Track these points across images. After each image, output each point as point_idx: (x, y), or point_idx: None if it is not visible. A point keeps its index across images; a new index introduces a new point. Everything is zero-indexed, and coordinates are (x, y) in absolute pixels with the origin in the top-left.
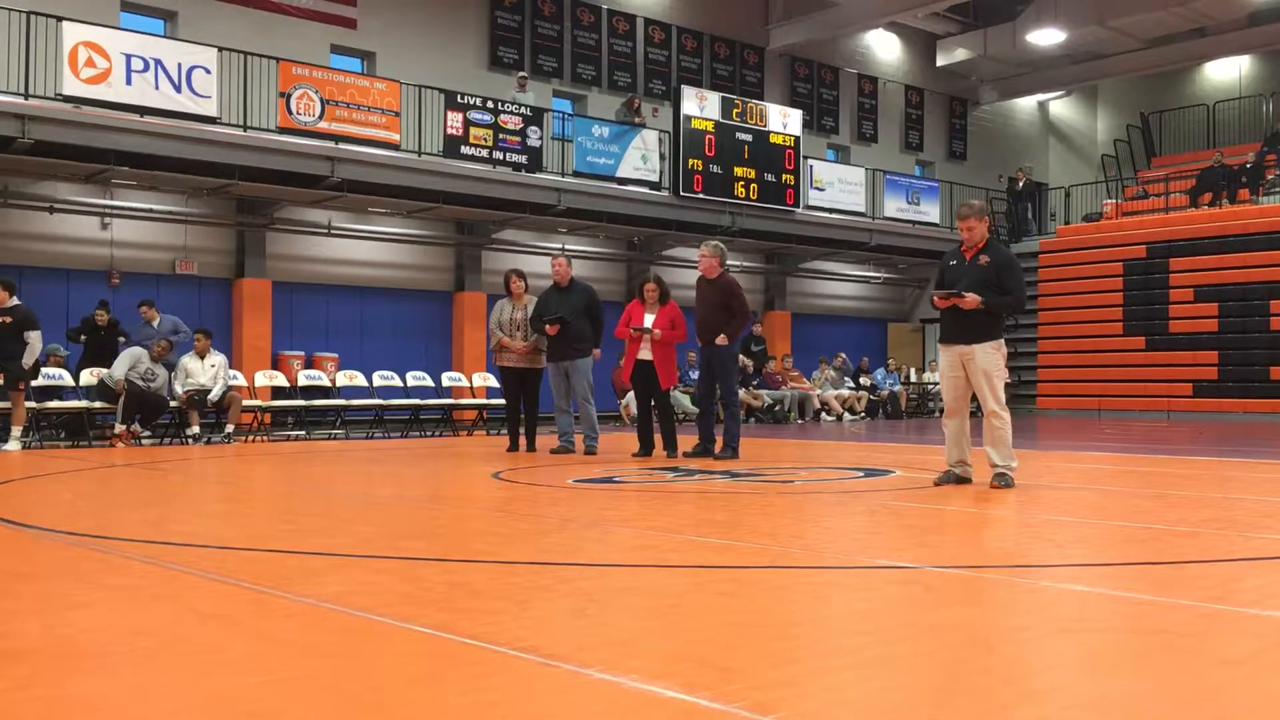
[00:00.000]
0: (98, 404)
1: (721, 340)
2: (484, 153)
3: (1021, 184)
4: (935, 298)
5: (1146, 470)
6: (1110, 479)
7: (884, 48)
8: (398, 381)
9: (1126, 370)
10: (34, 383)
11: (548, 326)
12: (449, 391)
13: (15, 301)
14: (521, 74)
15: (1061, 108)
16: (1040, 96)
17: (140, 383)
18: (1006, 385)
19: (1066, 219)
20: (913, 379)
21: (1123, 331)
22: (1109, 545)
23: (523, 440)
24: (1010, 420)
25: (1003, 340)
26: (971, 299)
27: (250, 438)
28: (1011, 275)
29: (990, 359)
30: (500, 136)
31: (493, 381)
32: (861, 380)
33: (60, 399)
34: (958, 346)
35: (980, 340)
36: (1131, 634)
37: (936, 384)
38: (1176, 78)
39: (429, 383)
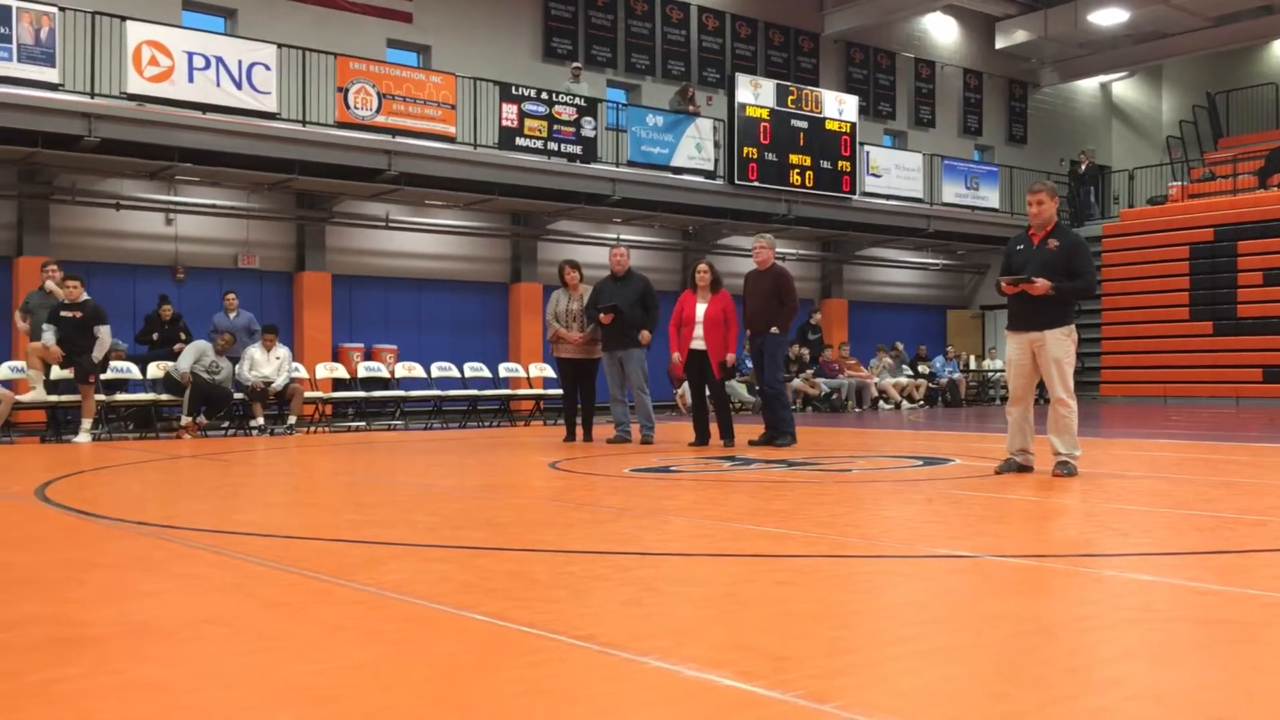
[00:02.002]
0: (164, 397)
1: (775, 332)
2: (539, 144)
3: (1084, 167)
4: (1002, 284)
5: (1214, 458)
6: (1176, 467)
7: (941, 31)
8: (455, 372)
9: (1193, 356)
10: (102, 376)
11: (601, 315)
12: (506, 382)
13: (85, 297)
14: (575, 64)
15: (1125, 89)
16: (1103, 78)
17: (205, 375)
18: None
19: (1130, 202)
20: (972, 366)
21: (1189, 316)
22: (1174, 534)
23: (579, 430)
24: (1077, 409)
25: (1073, 326)
26: (1041, 284)
27: (312, 429)
28: (1081, 259)
29: (1061, 346)
30: (555, 127)
31: (549, 372)
32: (920, 368)
33: (127, 392)
34: (1028, 334)
35: (1051, 326)
36: (1197, 624)
37: (997, 371)
38: (1243, 56)
39: (486, 373)
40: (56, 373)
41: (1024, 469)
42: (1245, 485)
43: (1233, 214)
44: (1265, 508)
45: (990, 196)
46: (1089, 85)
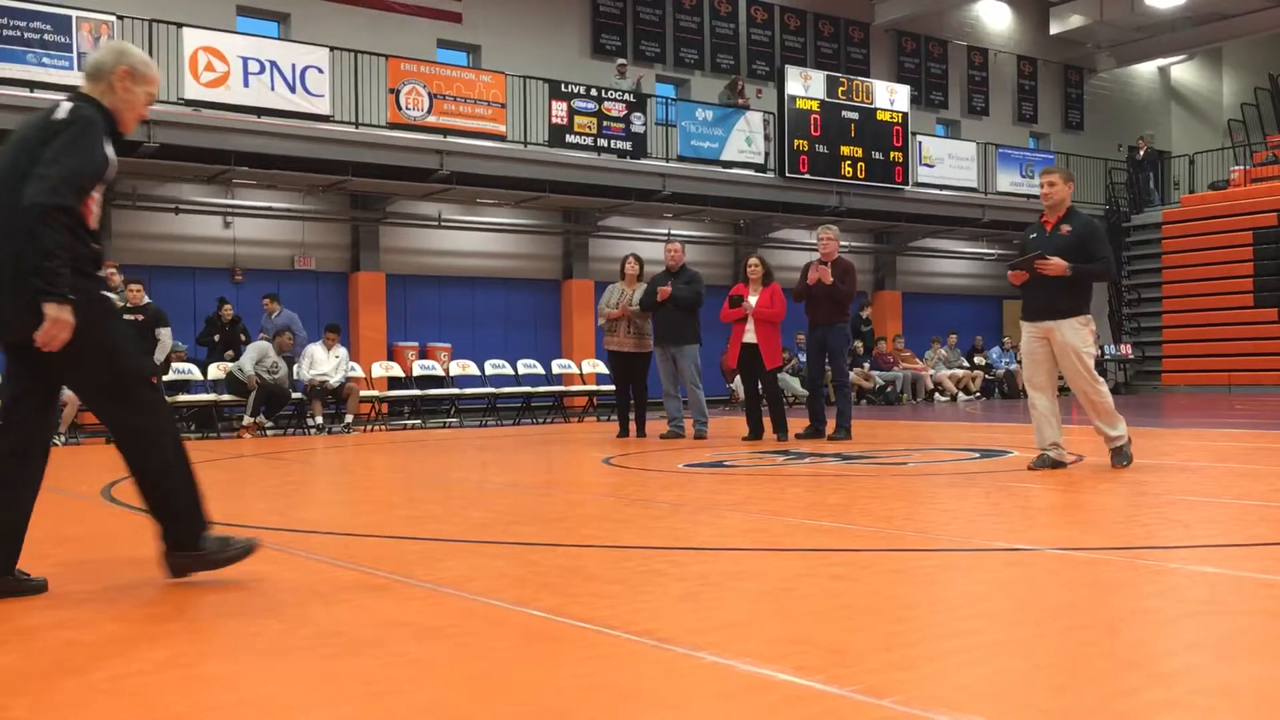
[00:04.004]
0: (225, 397)
1: (819, 272)
2: (589, 141)
3: (1143, 153)
4: (1012, 272)
5: None
6: (1241, 457)
7: (994, 17)
8: (509, 370)
9: (1258, 344)
10: (164, 378)
11: (659, 290)
12: (559, 379)
13: (146, 300)
14: (621, 61)
15: (1184, 72)
16: (1161, 61)
17: (265, 376)
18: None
19: (1191, 188)
20: None
21: (1253, 303)
22: (1240, 526)
23: (633, 426)
24: (1107, 389)
25: (1089, 315)
26: (1056, 263)
27: (369, 427)
28: (1097, 242)
29: (1078, 335)
30: (604, 124)
31: (602, 368)
32: (975, 359)
33: (189, 393)
34: (1042, 323)
35: (1067, 315)
36: (1264, 616)
37: None
38: None
39: (539, 370)
40: None
41: (1058, 464)
42: None
43: None
44: None
45: None
46: (1147, 69)
